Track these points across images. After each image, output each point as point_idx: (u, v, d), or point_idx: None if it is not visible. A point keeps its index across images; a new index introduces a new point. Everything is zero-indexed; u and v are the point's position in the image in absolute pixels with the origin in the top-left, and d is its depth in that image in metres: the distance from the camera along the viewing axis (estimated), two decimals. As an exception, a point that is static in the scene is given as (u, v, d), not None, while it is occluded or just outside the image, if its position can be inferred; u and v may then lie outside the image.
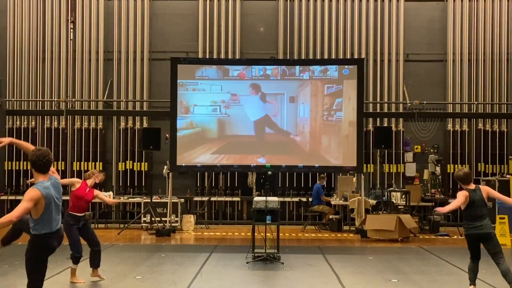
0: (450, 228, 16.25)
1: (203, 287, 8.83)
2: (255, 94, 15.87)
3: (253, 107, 15.95)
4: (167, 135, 15.92)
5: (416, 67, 18.38)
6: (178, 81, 15.75)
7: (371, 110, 18.27)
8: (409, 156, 18.08)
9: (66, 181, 9.26)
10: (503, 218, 13.57)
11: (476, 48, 18.26)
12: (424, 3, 18.53)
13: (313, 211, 16.73)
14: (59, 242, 5.88)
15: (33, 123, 18.28)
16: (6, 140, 6.21)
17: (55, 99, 18.23)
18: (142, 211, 16.21)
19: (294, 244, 14.03)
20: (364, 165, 16.90)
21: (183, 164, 15.85)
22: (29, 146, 6.13)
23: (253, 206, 11.16)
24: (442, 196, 17.11)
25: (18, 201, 9.80)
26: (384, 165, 17.77)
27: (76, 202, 9.00)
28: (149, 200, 15.90)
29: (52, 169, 5.91)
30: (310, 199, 16.99)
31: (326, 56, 18.17)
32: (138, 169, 18.29)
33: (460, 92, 18.21)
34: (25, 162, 17.90)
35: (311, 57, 18.16)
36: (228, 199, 18.13)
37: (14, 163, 18.09)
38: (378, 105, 18.37)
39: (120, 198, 17.07)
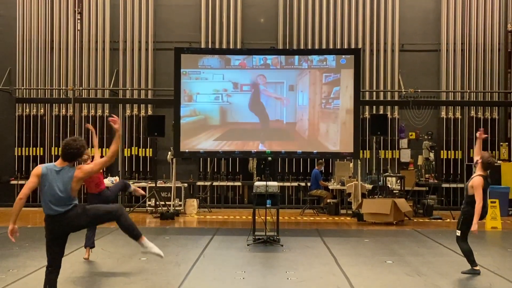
0: (443, 212, 16.42)
1: (205, 268, 8.90)
2: (264, 85, 15.89)
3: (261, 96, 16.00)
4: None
5: (411, 57, 18.54)
6: (181, 70, 15.68)
7: (367, 98, 18.42)
8: (404, 142, 18.30)
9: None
10: (494, 202, 13.86)
11: (469, 38, 18.41)
12: (418, -5, 18.74)
13: (312, 196, 17.00)
14: (59, 227, 6.00)
15: (42, 110, 18.53)
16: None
17: (63, 88, 18.51)
18: (147, 195, 16.38)
19: (293, 227, 14.21)
20: (361, 151, 16.99)
21: (187, 150, 15.80)
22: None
23: (253, 191, 11.29)
24: (436, 181, 17.37)
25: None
26: (380, 151, 18.00)
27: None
28: (154, 185, 16.17)
29: (87, 167, 6.17)
30: (309, 184, 17.27)
31: (324, 46, 18.33)
32: (143, 155, 18.52)
33: (453, 80, 18.38)
34: (34, 148, 18.30)
35: (310, 47, 18.30)
36: (230, 183, 18.37)
37: (24, 149, 18.39)
38: (374, 93, 18.53)
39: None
